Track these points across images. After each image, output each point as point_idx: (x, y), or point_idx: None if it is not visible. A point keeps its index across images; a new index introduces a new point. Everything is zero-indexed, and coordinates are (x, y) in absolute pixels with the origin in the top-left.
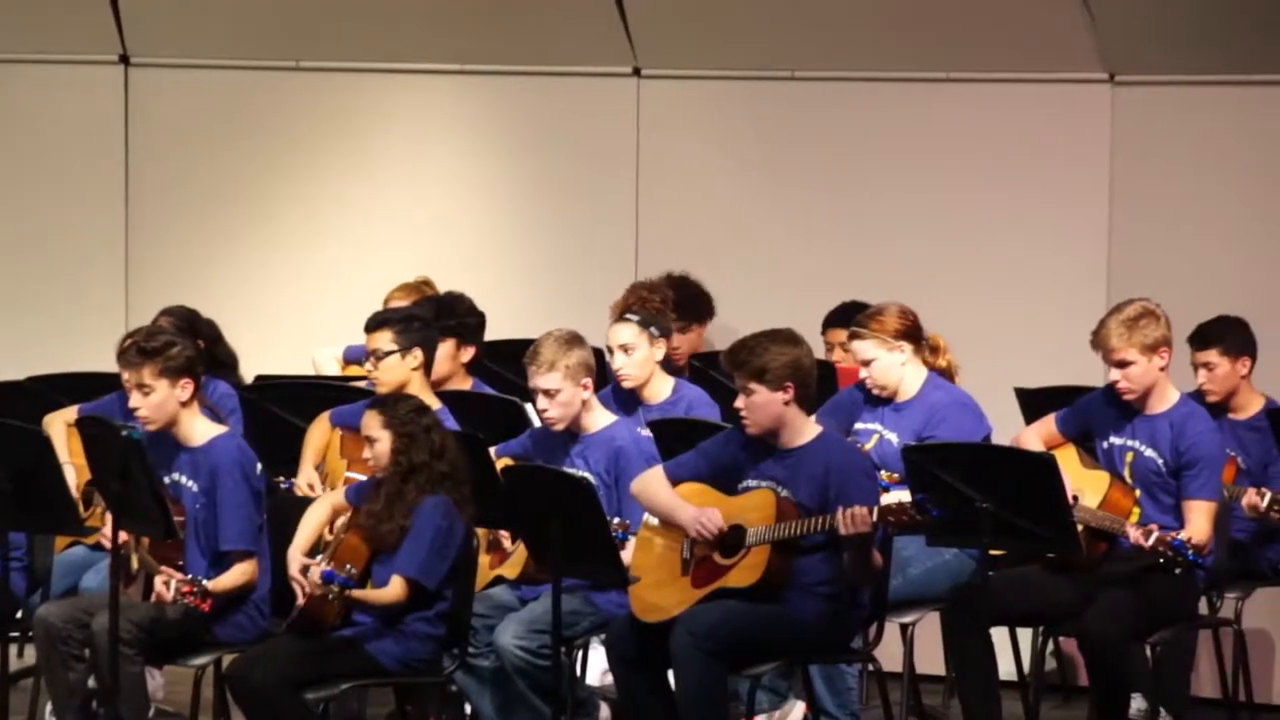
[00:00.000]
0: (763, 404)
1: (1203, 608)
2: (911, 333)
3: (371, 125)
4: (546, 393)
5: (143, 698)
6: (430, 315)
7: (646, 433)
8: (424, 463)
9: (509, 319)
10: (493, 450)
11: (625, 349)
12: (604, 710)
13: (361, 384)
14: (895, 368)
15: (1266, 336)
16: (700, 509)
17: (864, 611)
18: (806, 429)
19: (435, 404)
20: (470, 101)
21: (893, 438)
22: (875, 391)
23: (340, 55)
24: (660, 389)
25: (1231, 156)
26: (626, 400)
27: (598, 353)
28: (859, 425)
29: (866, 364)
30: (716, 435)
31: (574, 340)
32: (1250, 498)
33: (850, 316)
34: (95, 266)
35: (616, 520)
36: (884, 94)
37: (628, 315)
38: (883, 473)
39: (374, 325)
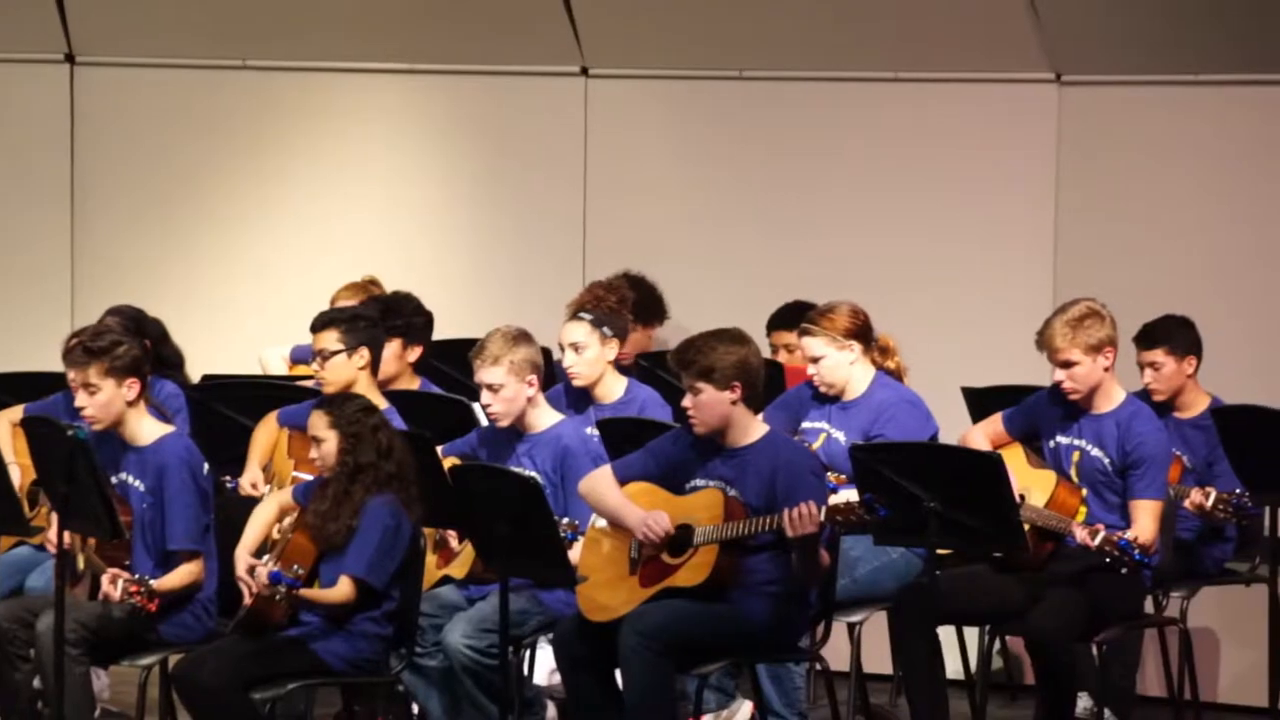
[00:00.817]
0: (710, 403)
1: (1148, 606)
2: (861, 332)
3: (319, 125)
4: (490, 387)
5: (88, 698)
6: (376, 315)
7: (594, 432)
8: (371, 463)
9: (457, 319)
10: (439, 449)
11: (576, 347)
12: (551, 710)
13: (309, 384)
14: (844, 366)
15: (1212, 336)
16: (648, 512)
17: (811, 611)
18: (754, 428)
19: (382, 404)
20: (418, 101)
21: (840, 437)
22: (823, 389)
23: (287, 54)
24: (613, 389)
25: (1177, 156)
26: (578, 399)
27: (548, 352)
28: (806, 424)
29: (815, 361)
30: (664, 435)
31: (521, 337)
32: (1195, 497)
33: (796, 317)
34: (41, 265)
35: (565, 520)
36: (832, 93)
37: (580, 314)
38: (830, 473)
39: (320, 325)
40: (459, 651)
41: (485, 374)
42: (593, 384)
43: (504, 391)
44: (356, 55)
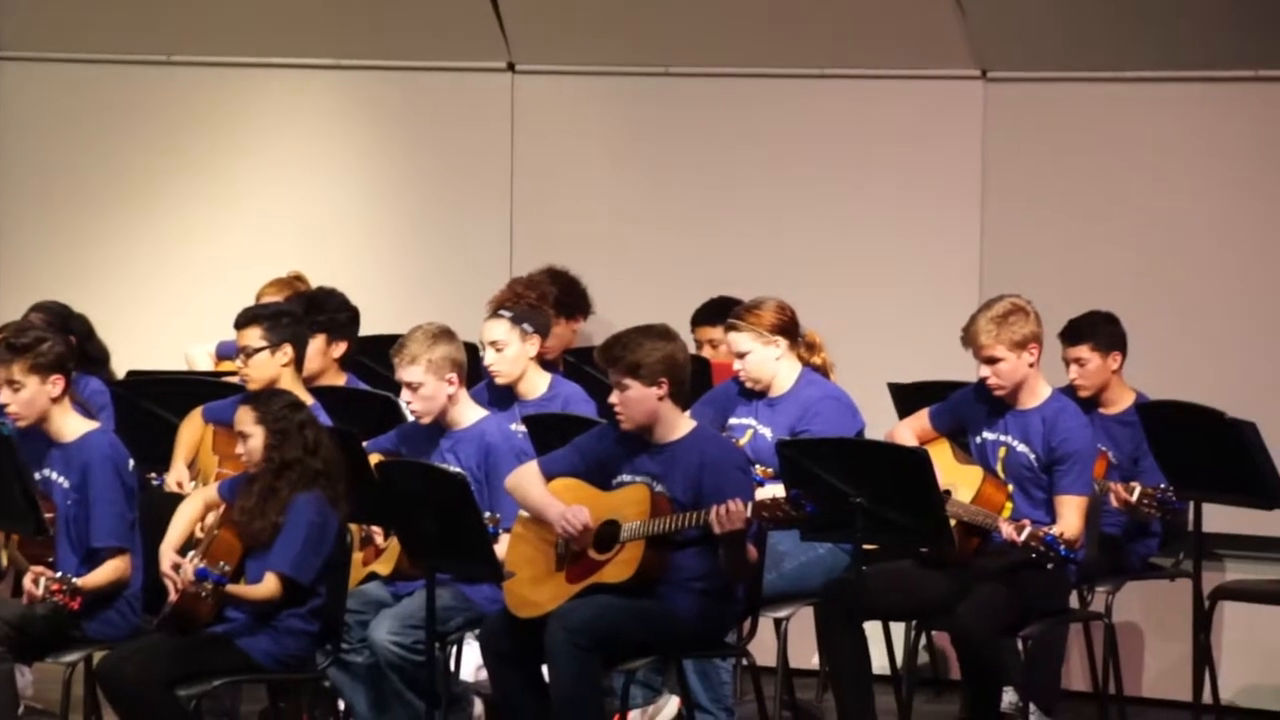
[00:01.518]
0: (637, 399)
1: (1074, 601)
2: (788, 328)
3: (243, 121)
4: (410, 385)
5: (11, 696)
6: (301, 311)
7: (519, 428)
8: (297, 459)
9: (382, 314)
10: (364, 445)
11: (496, 345)
12: (477, 706)
13: (234, 379)
14: (770, 362)
15: (1137, 332)
16: (567, 506)
17: (738, 606)
18: (681, 424)
19: (308, 399)
20: (344, 97)
21: (767, 432)
22: (749, 385)
23: (211, 50)
24: (536, 385)
25: (1102, 152)
26: (502, 396)
27: (470, 347)
28: (733, 420)
29: (741, 356)
30: (591, 430)
31: (441, 335)
32: (1120, 492)
33: (721, 312)
34: None
35: (488, 515)
36: (758, 89)
37: (500, 312)
38: (757, 467)
39: (243, 322)
40: (385, 648)
41: (405, 373)
42: (516, 381)
43: (424, 389)
44: (282, 51)
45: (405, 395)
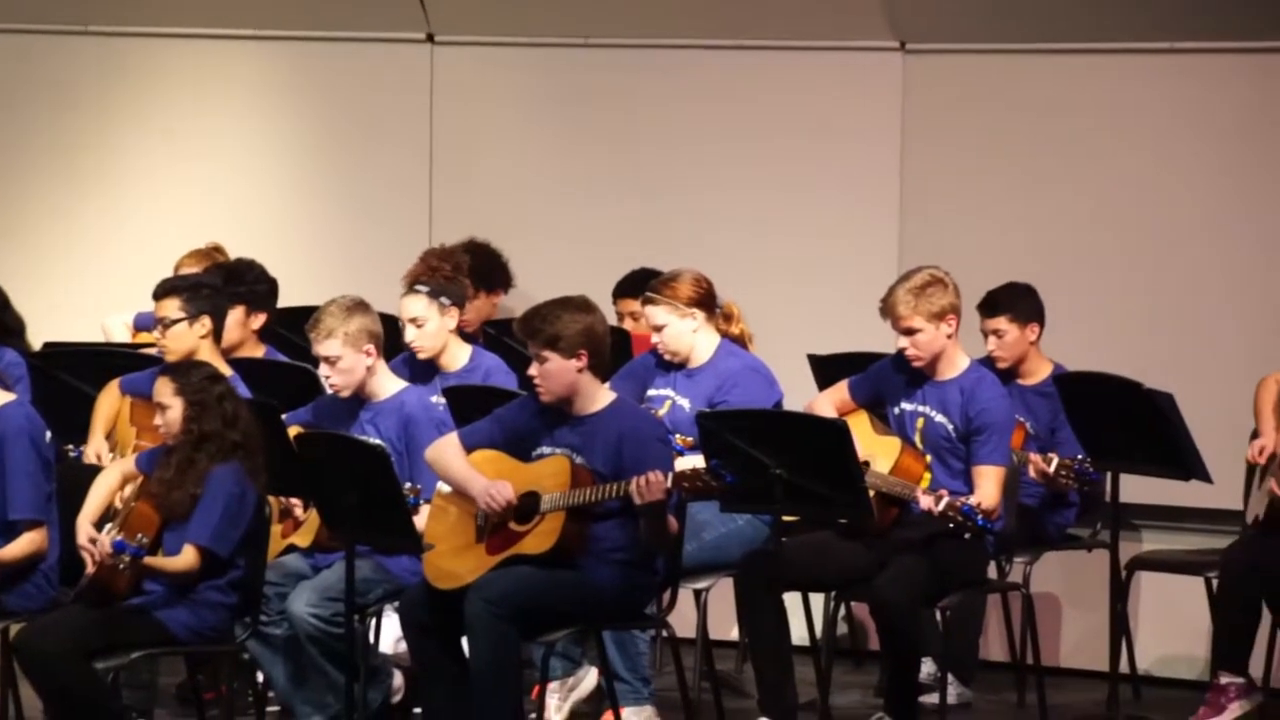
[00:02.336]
0: (556, 371)
1: (992, 572)
2: (704, 300)
3: (163, 91)
4: (327, 360)
5: None
6: (219, 282)
7: (440, 400)
8: (216, 431)
9: (301, 286)
10: (283, 417)
11: (416, 322)
12: (397, 678)
13: (152, 351)
14: (687, 334)
15: (1054, 303)
16: (491, 481)
17: (658, 577)
18: (600, 396)
19: (226, 371)
20: (263, 67)
21: (685, 404)
22: (667, 357)
23: (130, 20)
24: (457, 357)
25: (1020, 124)
26: (422, 368)
27: (390, 319)
28: (652, 391)
29: (659, 329)
30: (511, 402)
31: (356, 307)
32: (1038, 462)
33: (641, 284)
34: None
35: (408, 486)
36: (677, 60)
37: (417, 287)
38: (677, 436)
39: (161, 293)
40: (304, 620)
41: (321, 347)
42: (436, 354)
43: (341, 363)
44: (201, 21)
45: (324, 370)
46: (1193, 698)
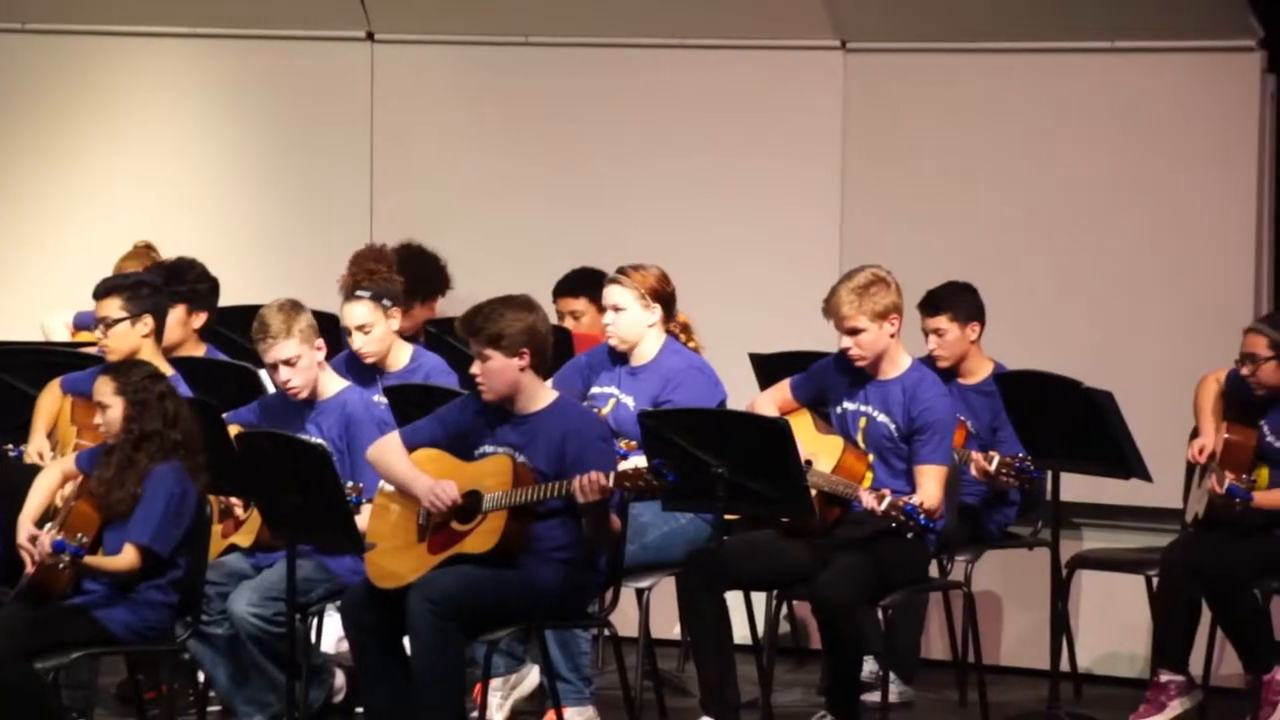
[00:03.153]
0: (499, 370)
1: (933, 570)
2: (666, 299)
3: (102, 89)
4: (287, 362)
5: None
6: (160, 281)
7: (381, 399)
8: (157, 430)
9: (243, 285)
10: (225, 417)
11: (363, 329)
12: (339, 677)
13: (93, 350)
14: (642, 325)
15: (995, 302)
16: (436, 480)
17: (600, 577)
18: (543, 395)
19: (168, 371)
20: (203, 65)
21: (629, 402)
22: (614, 344)
23: (68, 18)
24: (398, 356)
25: (961, 123)
26: (364, 368)
27: (327, 318)
28: (596, 389)
29: (616, 310)
30: (453, 401)
31: (296, 305)
32: (979, 461)
33: (583, 283)
34: None
35: (350, 484)
36: (619, 59)
37: (359, 293)
38: (621, 441)
39: (102, 293)
40: (245, 620)
41: (278, 350)
42: (383, 356)
43: (301, 362)
44: (140, 19)
45: (284, 373)
46: (1133, 695)
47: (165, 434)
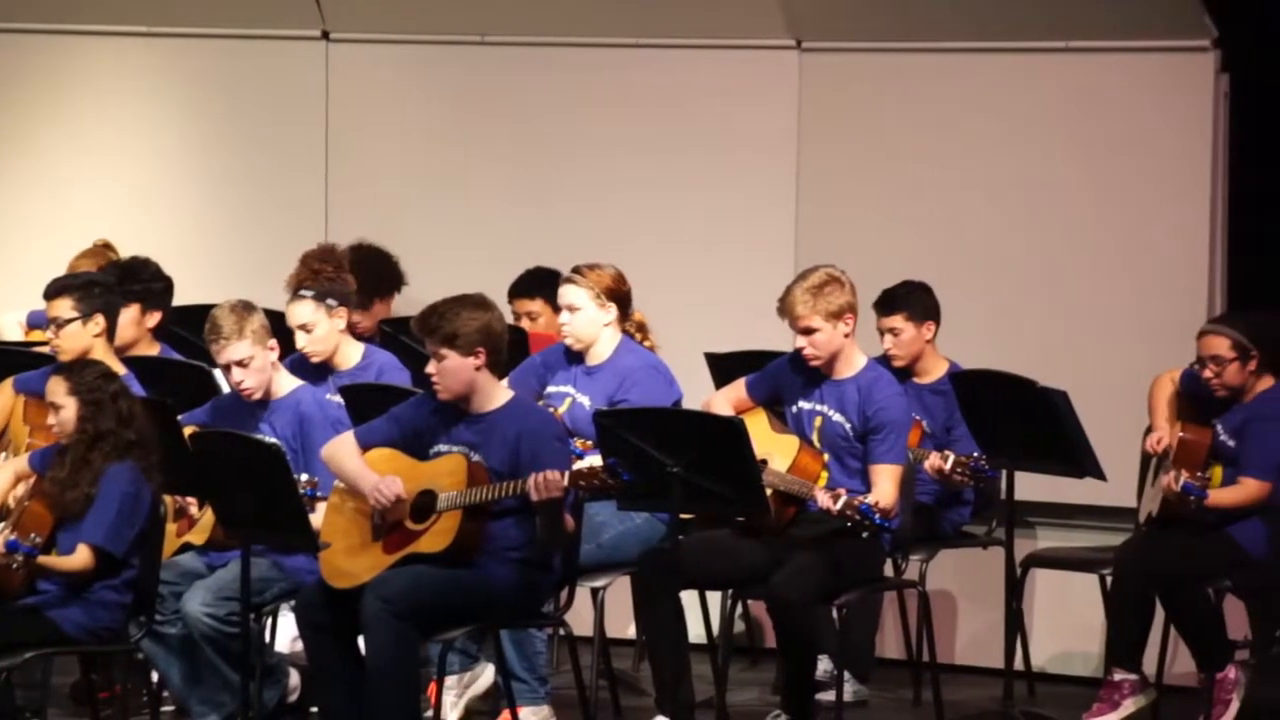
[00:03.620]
0: (454, 369)
1: (888, 570)
2: (621, 298)
3: (56, 88)
4: (239, 363)
5: None
6: (113, 281)
7: (335, 398)
8: (111, 430)
9: (197, 284)
10: (180, 417)
11: (305, 328)
12: (294, 677)
13: (46, 349)
14: (598, 324)
15: (950, 301)
16: (380, 477)
17: (555, 576)
18: (498, 394)
19: (120, 370)
20: (158, 64)
21: (585, 401)
22: (570, 343)
23: (21, 16)
24: (350, 355)
25: (916, 123)
26: (315, 368)
27: (283, 317)
28: (551, 388)
29: (571, 310)
30: (408, 400)
31: (248, 306)
32: (934, 460)
33: (538, 284)
34: None
35: (304, 478)
36: (574, 59)
37: (302, 292)
38: (576, 441)
39: (53, 293)
40: (198, 620)
41: (231, 351)
42: (329, 356)
43: (255, 362)
44: (95, 18)
45: (237, 375)
46: (1087, 694)
47: (119, 433)
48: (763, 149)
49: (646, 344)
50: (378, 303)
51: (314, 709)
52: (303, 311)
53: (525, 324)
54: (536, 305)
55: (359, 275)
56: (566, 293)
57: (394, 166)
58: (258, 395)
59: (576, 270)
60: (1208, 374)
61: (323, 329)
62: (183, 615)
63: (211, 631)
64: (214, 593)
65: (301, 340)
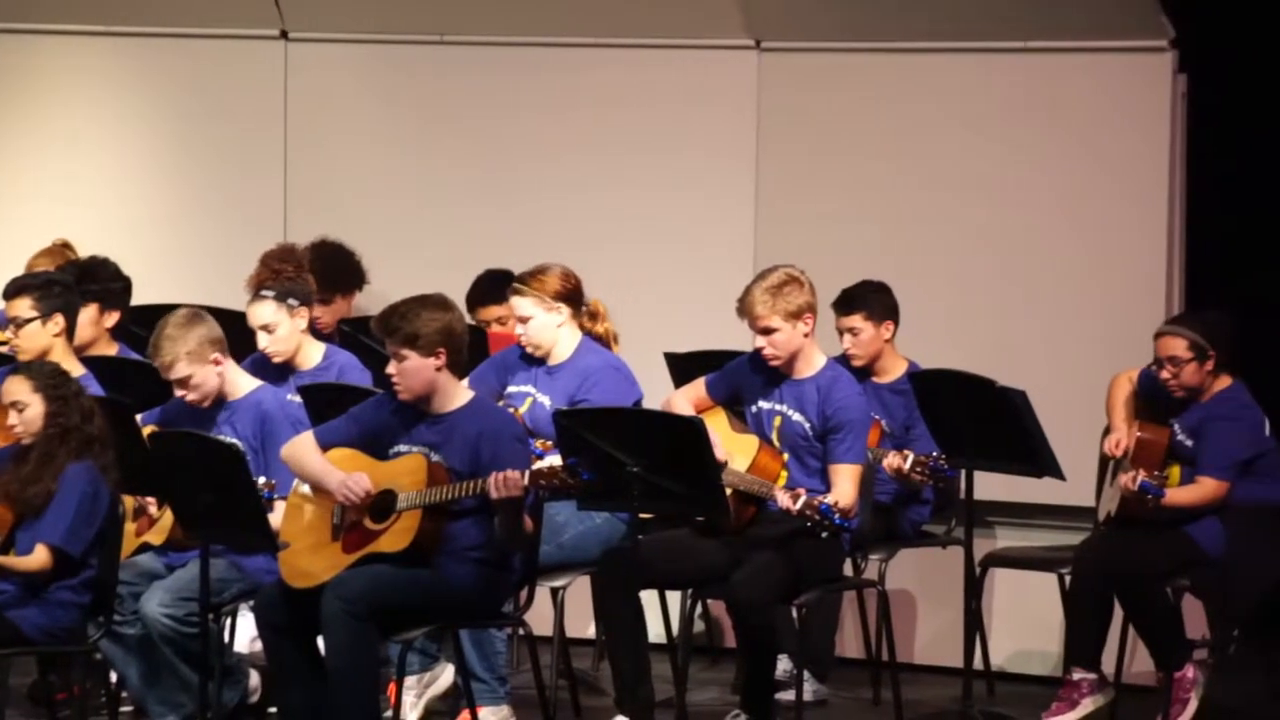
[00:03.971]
0: (415, 369)
1: (848, 569)
2: (571, 296)
3: (14, 88)
4: (179, 383)
5: None
6: (72, 280)
7: (295, 398)
8: (76, 426)
9: (156, 283)
10: (139, 418)
11: (267, 329)
12: (253, 678)
13: (3, 349)
14: (552, 328)
15: (909, 300)
16: (347, 474)
17: (515, 576)
18: (458, 394)
19: (79, 370)
20: (115, 63)
21: (546, 401)
22: (530, 350)
23: None
24: (311, 355)
25: (875, 122)
26: (276, 368)
27: (242, 316)
28: (512, 388)
29: (523, 321)
30: (368, 400)
31: (191, 321)
32: (893, 460)
33: (493, 287)
34: None
35: (263, 480)
36: (533, 58)
37: (263, 292)
38: (536, 441)
39: (12, 292)
40: (156, 620)
41: (169, 373)
42: (291, 356)
43: (194, 380)
44: (54, 17)
45: (178, 390)
46: (1046, 693)
47: (83, 429)
48: (722, 149)
49: (601, 328)
50: (339, 298)
51: (272, 710)
52: (264, 312)
53: (495, 329)
54: (503, 310)
55: (320, 271)
56: (515, 305)
57: (353, 166)
58: (206, 404)
59: (521, 280)
60: (1165, 375)
61: (284, 329)
62: (141, 616)
63: (170, 632)
64: (172, 593)
65: (263, 340)
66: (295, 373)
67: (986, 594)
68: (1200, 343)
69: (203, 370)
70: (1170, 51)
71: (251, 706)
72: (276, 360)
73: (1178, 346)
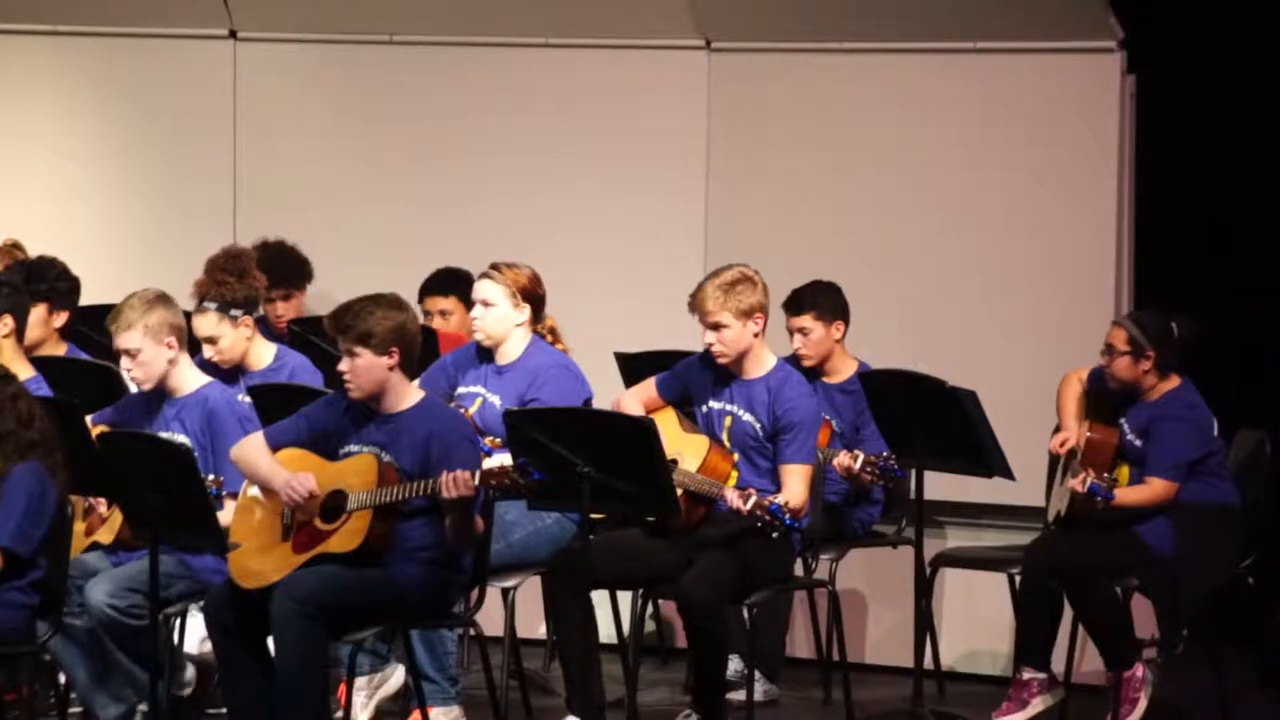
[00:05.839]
0: (367, 368)
1: (798, 569)
2: (536, 299)
3: None
4: (128, 352)
5: None
6: (20, 281)
7: (245, 398)
8: (11, 431)
9: (104, 283)
10: (88, 418)
11: (211, 341)
12: (189, 671)
13: None
14: (509, 322)
15: (859, 300)
16: (293, 474)
17: (466, 576)
18: (409, 394)
19: (29, 371)
20: (63, 63)
21: (496, 401)
22: (480, 339)
23: None
24: (262, 355)
25: (825, 122)
26: (227, 370)
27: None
28: (462, 389)
29: (486, 305)
30: (318, 400)
31: (158, 300)
32: (843, 460)
33: (448, 282)
34: None
35: (210, 477)
36: (483, 58)
37: (204, 305)
38: (486, 439)
39: None
40: (100, 609)
41: (121, 339)
42: (238, 361)
43: (142, 355)
44: (4, 16)
45: (125, 363)
46: (996, 693)
47: (20, 434)
48: (672, 149)
49: (559, 347)
50: (296, 293)
51: (211, 710)
52: (206, 325)
53: (437, 322)
54: (449, 303)
55: (274, 268)
56: (482, 287)
57: (303, 166)
58: (146, 386)
59: (495, 266)
60: (1103, 360)
61: (228, 340)
62: (85, 605)
63: (111, 621)
64: (118, 584)
65: (208, 352)
66: (246, 373)
67: (937, 594)
68: (1139, 340)
69: (154, 349)
70: (1119, 52)
71: (188, 700)
72: (225, 366)
73: (1118, 337)
